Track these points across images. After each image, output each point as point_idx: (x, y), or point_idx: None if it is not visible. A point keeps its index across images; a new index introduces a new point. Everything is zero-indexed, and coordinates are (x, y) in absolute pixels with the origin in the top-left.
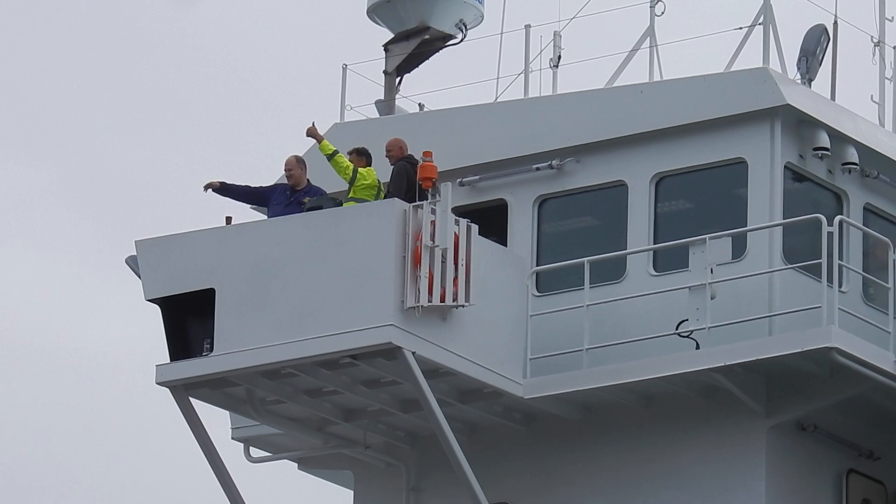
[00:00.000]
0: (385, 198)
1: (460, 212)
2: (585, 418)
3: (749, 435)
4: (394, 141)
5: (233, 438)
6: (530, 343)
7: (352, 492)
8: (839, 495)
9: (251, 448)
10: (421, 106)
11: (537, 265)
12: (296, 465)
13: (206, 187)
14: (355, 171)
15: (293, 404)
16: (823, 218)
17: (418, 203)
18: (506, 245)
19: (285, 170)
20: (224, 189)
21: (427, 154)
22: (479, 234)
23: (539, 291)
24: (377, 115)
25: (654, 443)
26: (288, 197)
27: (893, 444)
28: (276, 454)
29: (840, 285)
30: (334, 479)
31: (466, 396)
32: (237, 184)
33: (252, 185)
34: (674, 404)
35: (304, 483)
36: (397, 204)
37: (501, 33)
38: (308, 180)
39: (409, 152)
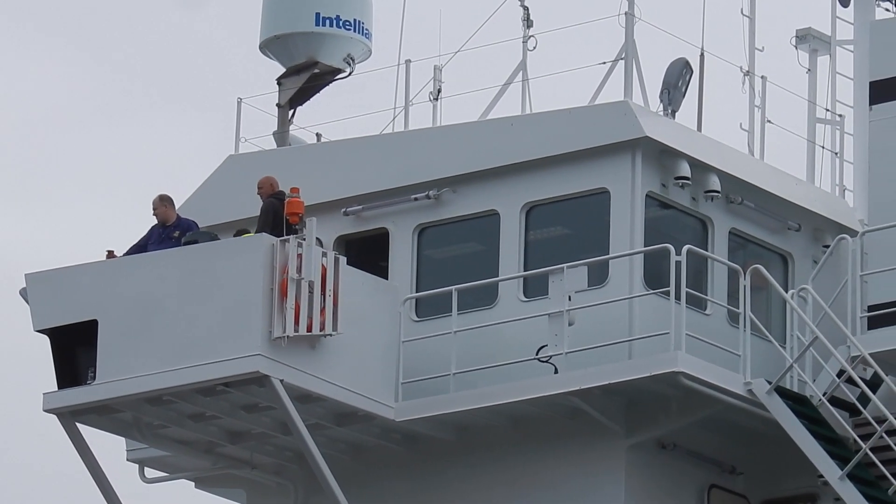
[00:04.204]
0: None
1: (345, 240)
2: (460, 439)
3: (609, 454)
4: (264, 179)
5: (128, 460)
6: (407, 368)
7: None
8: None
9: (146, 469)
10: (318, 136)
11: (417, 291)
12: (193, 484)
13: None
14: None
15: (179, 428)
16: (672, 247)
17: (285, 238)
18: (387, 272)
19: (152, 210)
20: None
21: (294, 190)
22: (363, 262)
23: (418, 317)
24: (275, 147)
25: (523, 462)
26: (160, 234)
27: (755, 459)
28: (171, 474)
29: (704, 308)
30: (231, 497)
31: (342, 420)
32: (126, 250)
33: (134, 243)
34: (539, 426)
35: (201, 502)
36: (265, 239)
37: (398, 64)
38: (178, 215)
39: (279, 188)
